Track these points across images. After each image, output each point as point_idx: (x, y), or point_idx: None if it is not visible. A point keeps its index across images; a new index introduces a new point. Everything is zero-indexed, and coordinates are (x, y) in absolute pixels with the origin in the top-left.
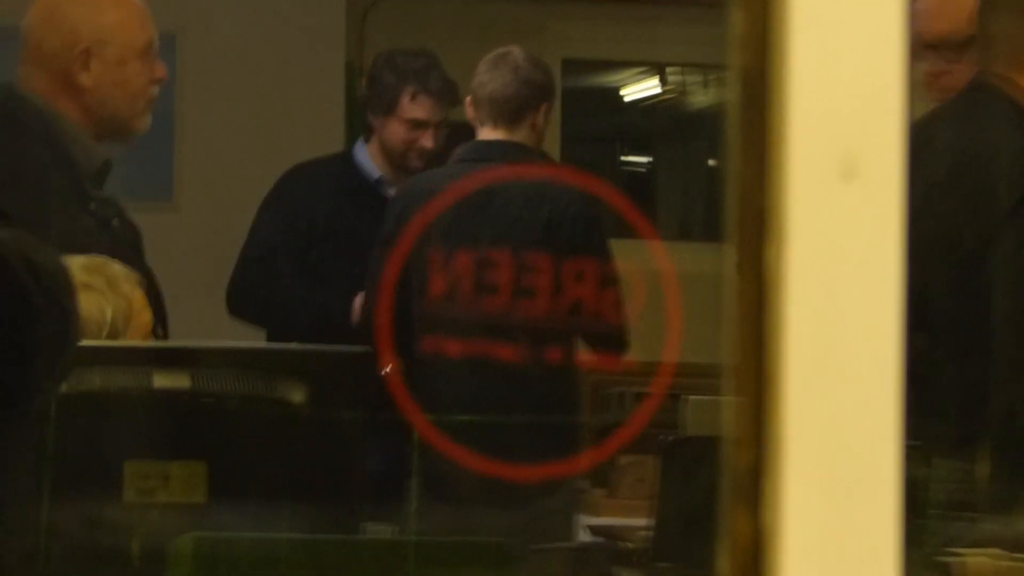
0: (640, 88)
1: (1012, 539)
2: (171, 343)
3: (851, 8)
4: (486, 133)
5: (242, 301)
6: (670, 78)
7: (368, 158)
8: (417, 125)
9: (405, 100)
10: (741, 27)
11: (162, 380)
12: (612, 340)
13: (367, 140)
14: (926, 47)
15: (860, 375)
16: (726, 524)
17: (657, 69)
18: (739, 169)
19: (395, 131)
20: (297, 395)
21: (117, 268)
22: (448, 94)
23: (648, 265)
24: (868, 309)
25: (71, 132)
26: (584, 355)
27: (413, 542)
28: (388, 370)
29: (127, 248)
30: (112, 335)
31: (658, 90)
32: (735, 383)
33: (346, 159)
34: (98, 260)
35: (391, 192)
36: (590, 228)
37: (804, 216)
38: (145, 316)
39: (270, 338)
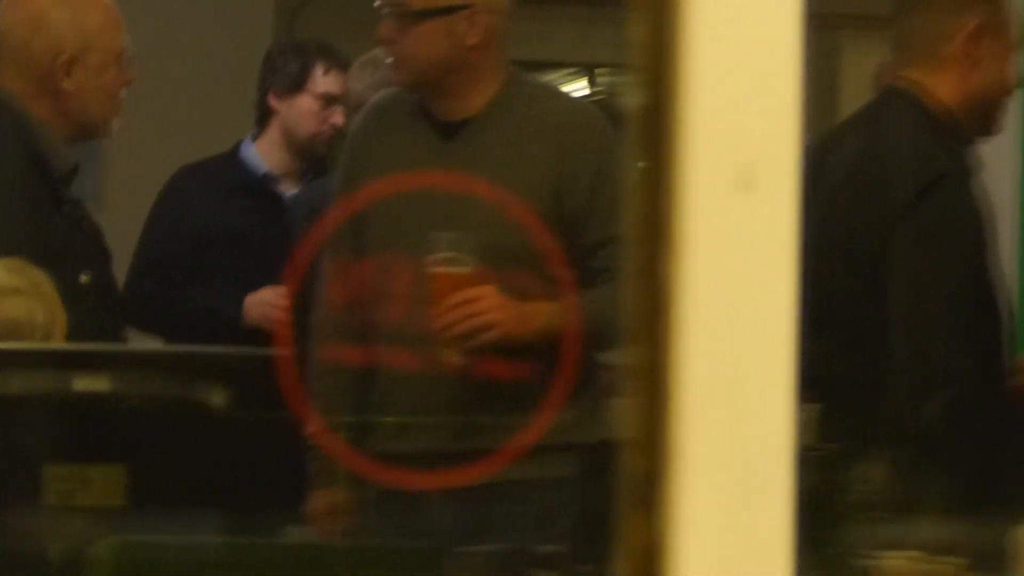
0: (570, 89)
1: (933, 541)
2: (90, 346)
3: (748, 18)
4: None
5: (137, 309)
6: (599, 79)
7: (255, 154)
8: (330, 100)
9: (318, 74)
10: (640, 35)
11: (81, 383)
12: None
13: (255, 137)
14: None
15: (755, 382)
16: (622, 530)
17: (587, 70)
18: (637, 177)
19: (306, 109)
20: (218, 398)
21: (35, 270)
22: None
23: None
24: (763, 317)
25: (45, 135)
26: (486, 362)
27: (336, 545)
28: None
29: (95, 249)
30: (44, 338)
31: (587, 91)
32: (631, 388)
33: (232, 157)
34: (18, 262)
35: (278, 188)
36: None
37: (701, 224)
38: (63, 317)
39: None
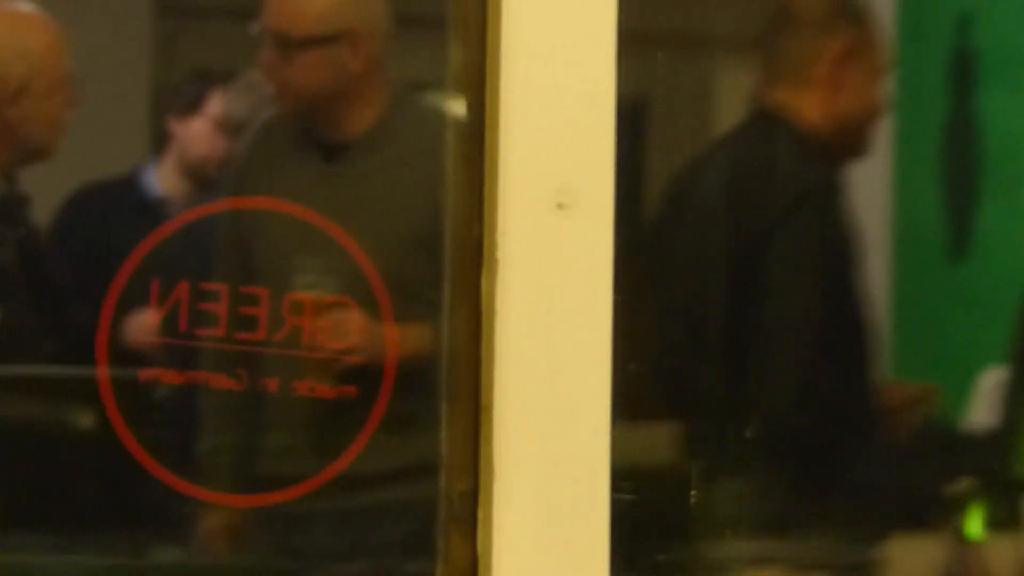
0: None
1: (798, 558)
2: None
3: (565, 42)
4: None
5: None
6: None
7: (155, 178)
8: (223, 124)
9: (214, 97)
10: (458, 60)
11: None
12: (336, 368)
13: (158, 160)
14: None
15: (573, 401)
16: (442, 548)
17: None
18: (456, 200)
19: (199, 132)
20: (85, 419)
21: None
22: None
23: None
24: (581, 336)
25: None
26: (308, 383)
27: (198, 565)
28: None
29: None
30: None
31: None
32: (449, 412)
33: (131, 180)
34: None
35: (173, 212)
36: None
37: (520, 246)
38: None
39: None
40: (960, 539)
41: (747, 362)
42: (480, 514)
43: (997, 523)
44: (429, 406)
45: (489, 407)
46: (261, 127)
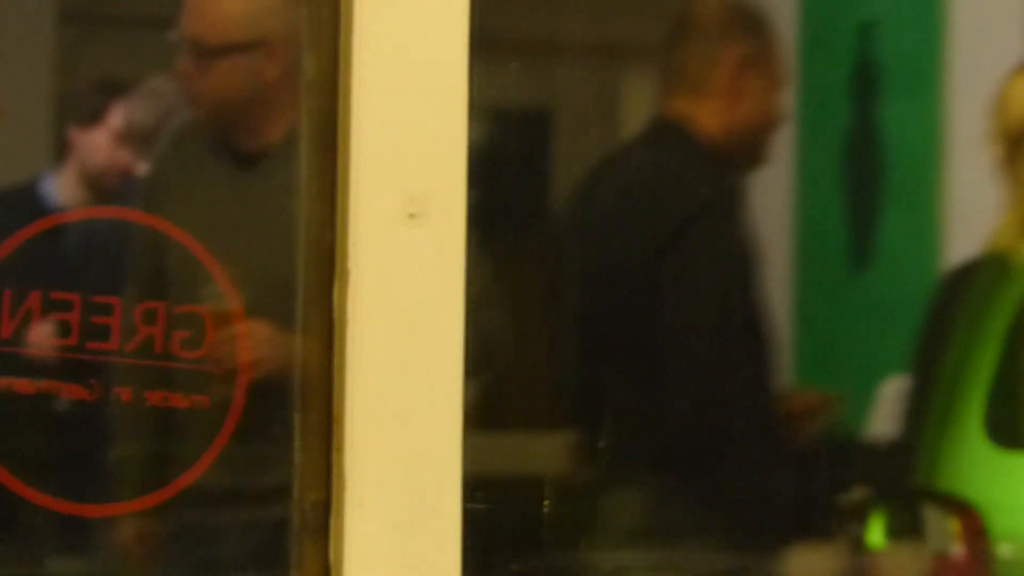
0: None
1: (701, 568)
2: None
3: (416, 55)
4: None
5: None
6: None
7: (55, 188)
8: (125, 136)
9: (114, 107)
10: (311, 71)
11: None
12: (193, 377)
13: (58, 168)
14: (187, 47)
15: (425, 410)
16: (295, 558)
17: None
18: (308, 210)
19: (99, 142)
20: None
21: None
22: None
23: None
24: (433, 346)
25: None
26: (161, 393)
27: None
28: None
29: None
30: None
31: None
32: (302, 422)
33: (29, 190)
34: None
35: (80, 229)
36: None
37: (371, 256)
38: None
39: None
40: (859, 548)
41: (650, 373)
42: (332, 524)
43: (897, 532)
44: (283, 416)
45: (341, 417)
46: (173, 135)
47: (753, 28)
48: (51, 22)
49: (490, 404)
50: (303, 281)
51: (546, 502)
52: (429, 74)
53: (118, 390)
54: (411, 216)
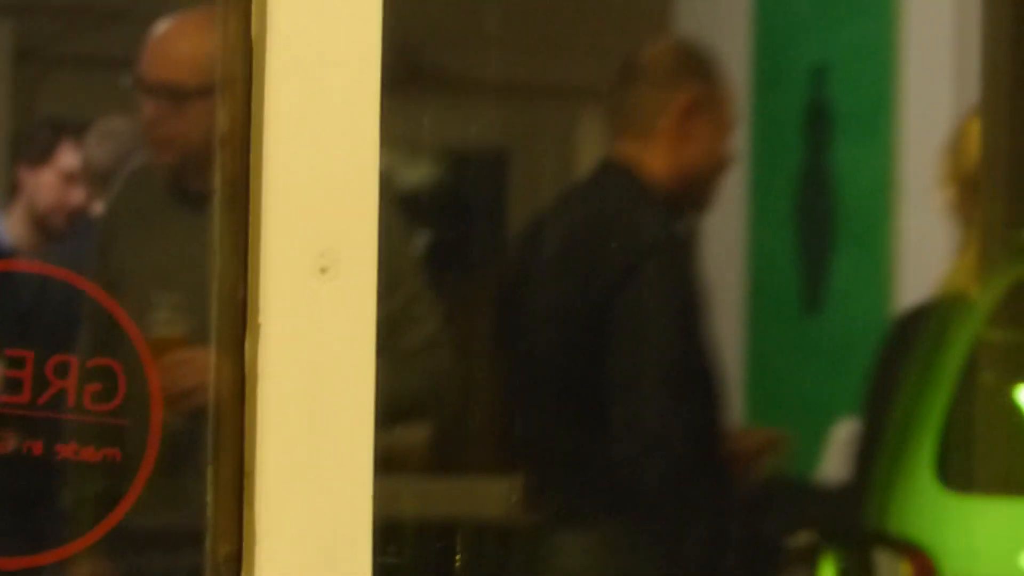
0: None
1: None
2: None
3: (327, 110)
4: None
5: None
6: None
7: (2, 228)
8: (74, 176)
9: (65, 147)
10: (223, 127)
11: None
12: (105, 431)
13: (5, 207)
14: (148, 91)
15: (336, 465)
16: None
17: None
18: (221, 265)
19: (48, 182)
20: None
21: None
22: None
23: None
24: (343, 398)
25: None
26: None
27: None
28: None
29: None
30: None
31: None
32: (215, 475)
33: None
34: None
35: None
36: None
37: (282, 310)
38: None
39: None
40: None
41: (597, 415)
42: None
43: (849, 575)
44: (196, 469)
45: (252, 471)
46: (128, 176)
47: (701, 72)
48: (6, 60)
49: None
50: (215, 335)
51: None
52: (340, 129)
53: (29, 443)
54: (322, 270)
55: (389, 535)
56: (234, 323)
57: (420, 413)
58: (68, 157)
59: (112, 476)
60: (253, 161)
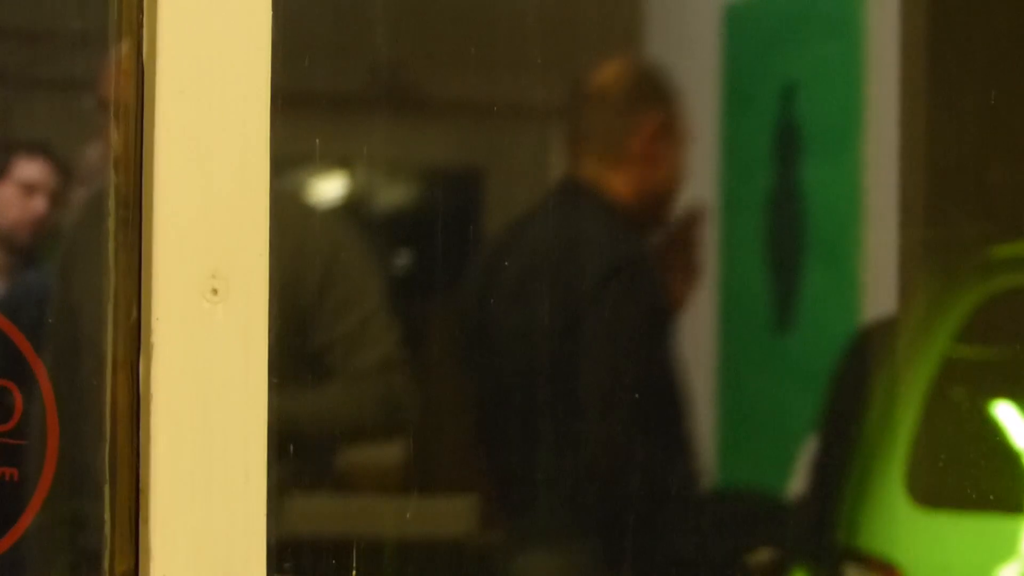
0: None
1: None
2: None
3: (219, 133)
4: None
5: None
6: None
7: None
8: (32, 188)
9: (20, 161)
10: (117, 149)
11: None
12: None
13: None
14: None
15: (229, 484)
16: None
17: None
18: (115, 286)
19: (6, 198)
20: None
21: None
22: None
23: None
24: (237, 418)
25: None
26: None
27: None
28: None
29: None
30: None
31: None
32: (111, 494)
33: None
34: None
35: None
36: None
37: (174, 331)
38: None
39: None
40: None
41: (561, 434)
42: None
43: None
44: (92, 488)
45: (147, 490)
46: (92, 196)
47: (665, 96)
48: None
49: (404, 467)
50: (111, 356)
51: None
52: (230, 151)
53: None
54: (213, 291)
55: (283, 551)
56: (128, 344)
57: (379, 434)
58: (25, 169)
59: (11, 495)
60: (145, 183)
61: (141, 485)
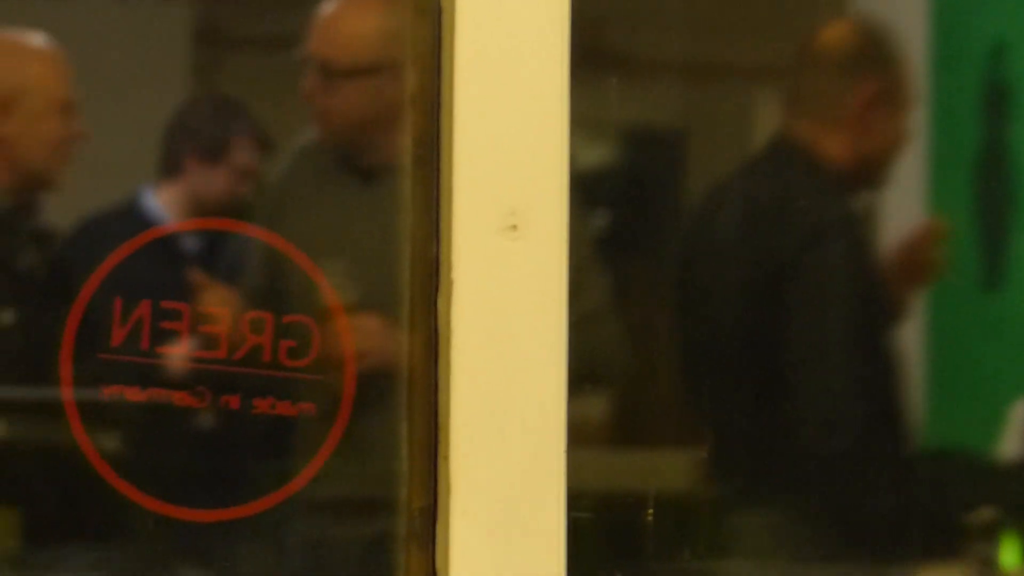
0: None
1: None
2: None
3: (517, 71)
4: None
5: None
6: None
7: (160, 206)
8: (245, 172)
9: (237, 144)
10: (413, 88)
11: None
12: (301, 386)
13: (159, 186)
14: (317, 69)
15: (526, 422)
16: (401, 562)
17: None
18: (411, 225)
19: (218, 180)
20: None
21: None
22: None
23: None
24: (533, 357)
25: None
26: (270, 400)
27: None
28: None
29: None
30: None
31: None
32: (409, 430)
33: (132, 210)
34: None
35: (186, 242)
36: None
37: (473, 267)
38: None
39: None
40: (991, 569)
41: (779, 390)
42: (437, 530)
43: None
44: (389, 424)
45: (446, 426)
46: (298, 152)
47: (884, 59)
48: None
49: (613, 420)
50: (408, 292)
51: (649, 512)
52: (529, 89)
53: (227, 398)
54: (512, 228)
55: (578, 494)
56: (426, 281)
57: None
58: (242, 154)
59: (308, 431)
60: (444, 122)
61: (440, 422)
